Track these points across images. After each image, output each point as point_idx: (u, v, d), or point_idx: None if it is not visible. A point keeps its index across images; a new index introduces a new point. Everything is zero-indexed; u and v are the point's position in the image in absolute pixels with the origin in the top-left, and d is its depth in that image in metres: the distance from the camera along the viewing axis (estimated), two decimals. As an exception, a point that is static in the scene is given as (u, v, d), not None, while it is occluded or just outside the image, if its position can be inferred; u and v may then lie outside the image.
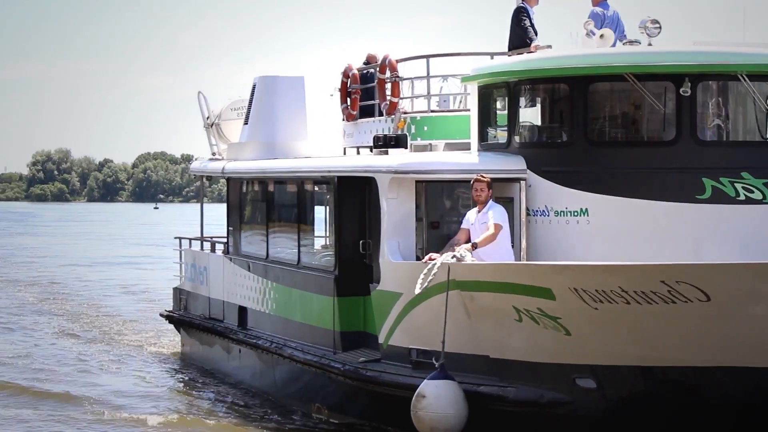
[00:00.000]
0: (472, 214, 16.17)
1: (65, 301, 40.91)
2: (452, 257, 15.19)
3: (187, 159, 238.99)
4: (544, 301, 14.15)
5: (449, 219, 17.98)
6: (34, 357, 28.00)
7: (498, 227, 15.75)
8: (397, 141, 18.09)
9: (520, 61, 16.86)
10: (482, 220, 15.90)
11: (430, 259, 15.48)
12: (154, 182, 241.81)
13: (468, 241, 15.95)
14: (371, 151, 20.85)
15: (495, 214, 15.87)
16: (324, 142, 23.52)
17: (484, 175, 16.03)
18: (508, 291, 14.51)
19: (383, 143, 18.12)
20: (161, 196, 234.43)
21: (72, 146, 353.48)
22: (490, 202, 16.04)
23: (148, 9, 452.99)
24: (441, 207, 18.08)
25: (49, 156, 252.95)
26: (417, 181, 17.19)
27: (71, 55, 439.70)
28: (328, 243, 21.52)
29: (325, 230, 21.46)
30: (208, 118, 27.24)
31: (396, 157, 17.56)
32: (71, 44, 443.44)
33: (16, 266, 58.84)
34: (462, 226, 16.27)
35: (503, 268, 14.78)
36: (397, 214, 17.19)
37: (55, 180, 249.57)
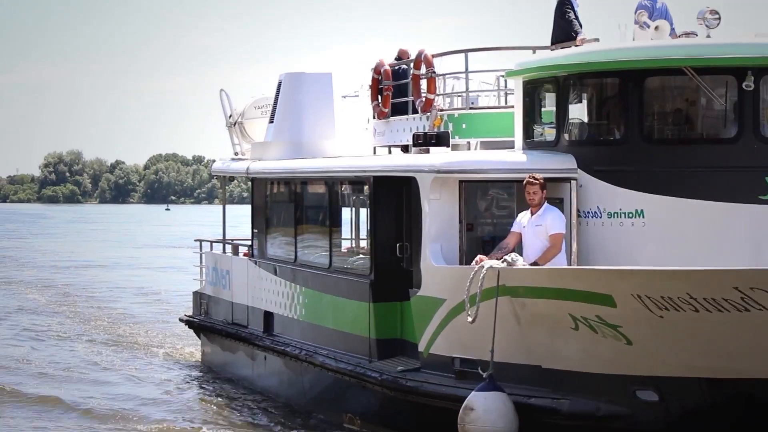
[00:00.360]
0: (524, 217, 15.33)
1: (78, 304, 40.47)
2: (502, 261, 14.35)
3: (199, 160, 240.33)
4: (604, 309, 13.33)
5: (483, 221, 17.12)
6: (44, 361, 27.55)
7: (560, 238, 14.99)
8: (439, 139, 17.25)
9: (571, 55, 16.01)
10: (536, 223, 15.07)
11: (481, 261, 14.64)
12: (166, 184, 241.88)
13: (518, 244, 15.15)
14: (403, 150, 20.15)
15: (553, 221, 15.06)
16: (352, 141, 22.76)
17: (536, 175, 15.17)
18: (563, 297, 13.70)
19: (423, 141, 17.27)
20: (173, 197, 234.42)
21: (83, 148, 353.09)
22: (545, 204, 15.20)
23: (158, 11, 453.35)
24: (474, 208, 17.27)
25: (60, 158, 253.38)
26: (460, 182, 16.32)
27: (82, 57, 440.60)
28: (354, 245, 20.77)
29: (351, 232, 20.72)
30: (230, 116, 26.47)
31: (439, 156, 16.76)
32: (82, 46, 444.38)
33: (28, 268, 58.64)
34: (512, 229, 15.45)
35: (559, 273, 13.95)
36: (439, 216, 16.39)
37: (66, 182, 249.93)
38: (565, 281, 13.68)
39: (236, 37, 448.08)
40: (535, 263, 14.80)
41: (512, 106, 17.70)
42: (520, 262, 14.46)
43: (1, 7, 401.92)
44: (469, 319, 14.48)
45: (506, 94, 20.27)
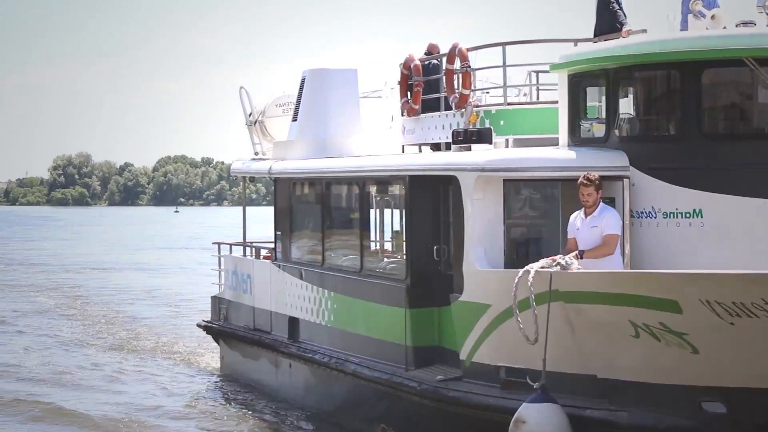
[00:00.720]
0: (577, 218, 14.53)
1: (87, 308, 40.12)
2: (556, 264, 13.50)
3: (208, 162, 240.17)
4: (669, 315, 12.54)
5: (519, 222, 16.26)
6: (51, 367, 27.11)
7: (614, 239, 14.21)
8: (480, 135, 16.37)
9: (623, 46, 15.17)
10: (592, 224, 14.27)
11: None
12: (175, 186, 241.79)
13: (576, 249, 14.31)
14: (433, 148, 19.38)
15: (610, 221, 14.27)
16: (379, 140, 21.99)
17: (591, 175, 14.34)
18: (624, 303, 12.88)
19: (464, 138, 16.40)
20: (182, 199, 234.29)
21: (93, 150, 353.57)
22: (601, 204, 14.38)
23: (168, 13, 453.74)
24: (513, 209, 16.42)
25: (69, 160, 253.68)
26: (505, 181, 15.47)
27: (91, 59, 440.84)
28: (377, 248, 19.99)
29: (376, 233, 19.87)
30: (250, 115, 25.73)
31: (482, 154, 15.93)
32: (91, 48, 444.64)
33: (36, 270, 58.41)
34: (569, 235, 14.63)
35: (619, 278, 13.11)
36: (483, 217, 15.55)
37: (76, 184, 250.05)
38: (625, 286, 12.88)
39: (243, 37, 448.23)
40: (581, 253, 14.06)
41: (553, 102, 16.99)
42: (575, 266, 13.64)
43: (11, 9, 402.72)
44: (525, 333, 13.57)
45: (538, 90, 19.53)
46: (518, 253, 15.59)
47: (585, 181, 14.29)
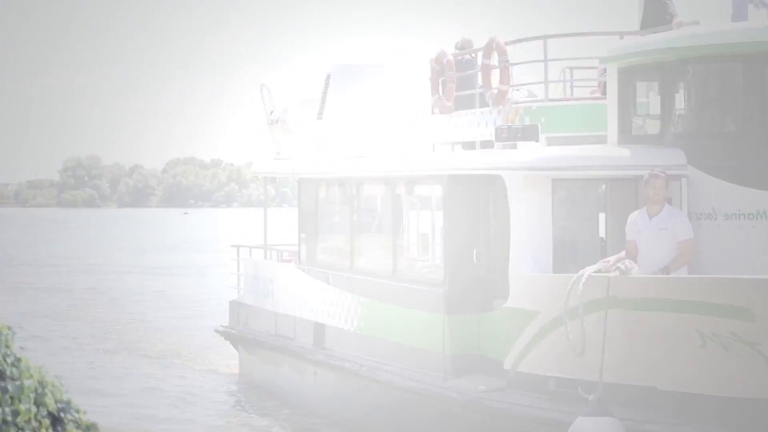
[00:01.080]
0: (640, 219, 13.70)
1: (98, 310, 39.29)
2: (614, 269, 12.71)
3: (217, 164, 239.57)
4: (740, 323, 11.84)
5: (568, 224, 15.47)
6: (61, 372, 25.79)
7: (691, 246, 13.46)
8: (526, 133, 15.54)
9: (680, 38, 14.41)
10: (660, 227, 13.41)
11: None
12: (184, 187, 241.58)
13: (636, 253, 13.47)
14: (465, 147, 18.51)
15: (684, 224, 13.52)
16: (406, 138, 21.21)
17: (662, 170, 13.54)
18: (690, 311, 12.17)
19: (508, 135, 15.56)
20: (191, 201, 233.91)
21: (102, 152, 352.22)
22: (666, 205, 13.57)
23: (174, 14, 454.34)
24: (555, 210, 15.56)
25: (79, 162, 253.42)
26: (554, 180, 14.67)
27: (98, 62, 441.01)
28: (412, 251, 19.21)
29: (407, 236, 19.12)
30: (272, 113, 24.90)
31: (529, 152, 15.10)
32: (98, 50, 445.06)
33: (47, 272, 57.67)
34: (628, 237, 13.79)
35: (686, 284, 12.35)
36: (530, 218, 14.77)
37: (85, 186, 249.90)
38: (693, 293, 12.13)
39: (250, 36, 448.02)
40: (666, 268, 13.30)
41: (595, 98, 16.32)
42: (636, 271, 12.85)
43: (18, 12, 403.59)
44: (573, 343, 12.79)
45: (572, 87, 18.76)
46: (567, 256, 14.83)
47: (659, 173, 13.53)
